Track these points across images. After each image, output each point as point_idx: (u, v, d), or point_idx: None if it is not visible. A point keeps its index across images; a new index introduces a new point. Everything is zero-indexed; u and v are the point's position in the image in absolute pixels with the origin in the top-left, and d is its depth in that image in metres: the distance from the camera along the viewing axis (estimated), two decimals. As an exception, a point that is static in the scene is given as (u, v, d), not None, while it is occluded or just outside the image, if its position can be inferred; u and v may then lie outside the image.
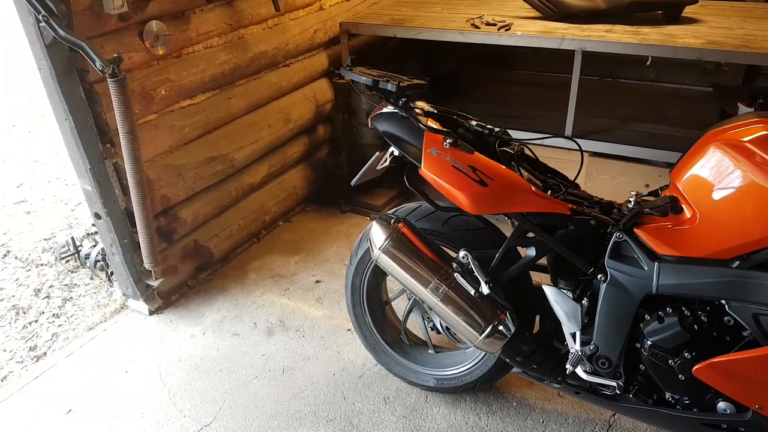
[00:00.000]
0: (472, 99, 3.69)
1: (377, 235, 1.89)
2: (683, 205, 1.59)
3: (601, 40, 2.76)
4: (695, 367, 1.54)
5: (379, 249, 1.86)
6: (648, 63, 2.76)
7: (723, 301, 1.53)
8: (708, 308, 1.57)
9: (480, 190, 1.70)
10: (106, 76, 2.08)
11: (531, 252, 1.81)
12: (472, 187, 1.71)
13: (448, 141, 1.76)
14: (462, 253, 1.85)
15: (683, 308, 1.59)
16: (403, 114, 1.86)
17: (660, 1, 2.95)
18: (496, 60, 4.04)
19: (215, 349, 2.49)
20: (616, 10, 2.97)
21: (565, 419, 2.11)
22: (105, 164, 2.39)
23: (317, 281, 2.89)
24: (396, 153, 1.93)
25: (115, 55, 2.09)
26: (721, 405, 1.59)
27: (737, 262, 1.49)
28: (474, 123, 1.86)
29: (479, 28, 3.05)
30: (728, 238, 1.50)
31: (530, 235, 1.80)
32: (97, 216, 2.50)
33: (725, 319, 1.55)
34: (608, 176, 3.01)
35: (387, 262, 1.88)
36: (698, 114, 3.30)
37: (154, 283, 2.65)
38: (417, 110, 1.87)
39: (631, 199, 1.71)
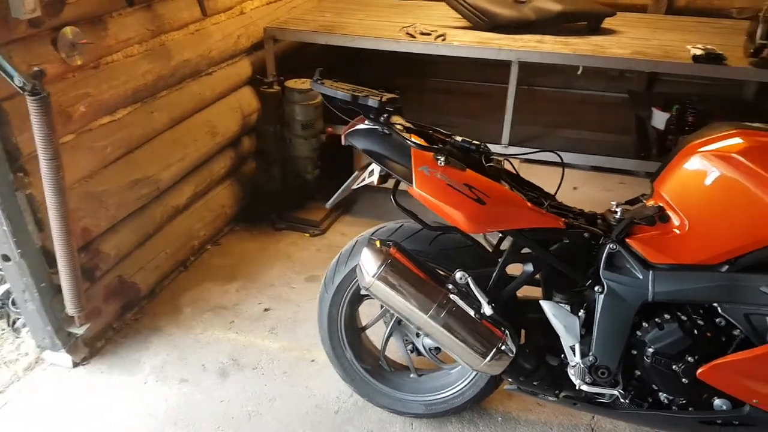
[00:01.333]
0: (408, 108, 3.61)
1: (369, 261, 1.74)
2: (670, 214, 1.64)
3: (536, 50, 2.81)
4: (699, 371, 1.58)
5: (374, 276, 1.72)
6: (579, 72, 2.86)
7: (715, 304, 1.60)
8: (701, 312, 1.63)
9: (478, 208, 1.63)
10: (26, 93, 1.74)
11: (528, 268, 1.78)
12: (469, 206, 1.64)
13: (441, 159, 1.67)
14: (459, 274, 1.77)
15: (680, 314, 1.64)
16: (385, 130, 1.75)
17: (583, 13, 3.07)
18: (416, 68, 4.01)
19: (163, 400, 2.19)
20: (544, 21, 3.04)
21: (550, 428, 2.11)
22: (17, 196, 2.00)
23: (266, 309, 2.66)
24: (379, 171, 1.80)
25: (36, 68, 1.76)
26: (718, 402, 1.65)
27: (726, 267, 1.56)
28: (459, 139, 1.78)
29: (415, 37, 2.99)
30: (718, 243, 1.57)
31: (524, 250, 1.77)
32: (6, 258, 2.09)
33: (717, 320, 1.62)
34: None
35: (382, 290, 1.74)
36: (615, 119, 3.49)
37: (79, 331, 2.27)
38: (398, 126, 1.76)
39: (616, 210, 1.74)
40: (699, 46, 2.74)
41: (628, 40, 2.97)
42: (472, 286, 1.75)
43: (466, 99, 3.87)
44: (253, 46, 3.19)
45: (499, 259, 1.79)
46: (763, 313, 1.54)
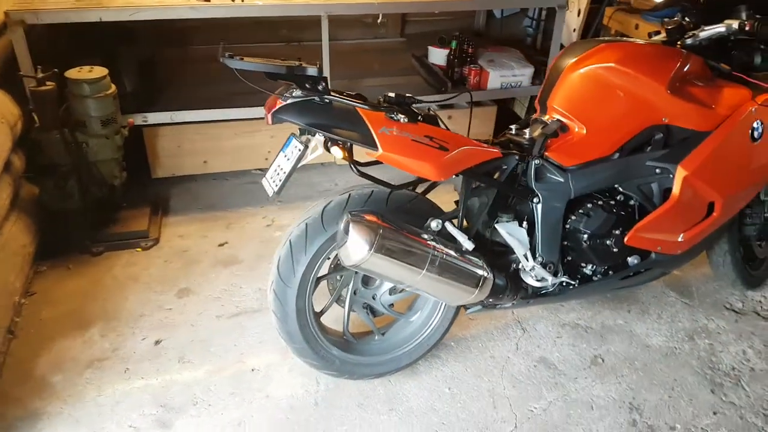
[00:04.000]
0: (186, 83, 3.26)
1: (360, 237, 1.68)
2: (568, 123, 2.02)
3: (342, 3, 2.87)
4: (626, 238, 2.04)
5: (370, 250, 1.68)
6: (380, 21, 3.03)
7: (616, 185, 2.07)
8: (607, 195, 2.09)
9: (443, 155, 1.76)
10: None
11: (484, 199, 1.96)
12: (435, 155, 1.75)
13: (400, 116, 1.72)
14: (434, 222, 1.87)
15: (596, 201, 2.06)
16: (325, 99, 1.68)
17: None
18: (181, 40, 3.60)
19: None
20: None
21: (491, 332, 2.40)
22: None
23: (156, 342, 2.27)
24: (323, 143, 1.73)
25: None
26: (630, 259, 2.16)
27: (617, 154, 2.02)
28: (392, 94, 1.82)
29: (209, 0, 2.71)
30: (609, 137, 2.03)
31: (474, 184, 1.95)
32: None
33: (618, 198, 2.09)
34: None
35: (376, 263, 1.72)
36: (397, 62, 3.74)
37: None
38: (333, 93, 1.72)
39: (520, 132, 2.04)
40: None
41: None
42: (450, 228, 1.87)
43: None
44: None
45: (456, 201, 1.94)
46: (649, 181, 2.06)
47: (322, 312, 2.06)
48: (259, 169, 3.34)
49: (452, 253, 1.84)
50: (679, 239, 2.11)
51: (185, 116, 2.92)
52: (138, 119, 2.81)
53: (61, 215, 2.64)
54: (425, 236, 1.83)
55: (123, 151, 2.73)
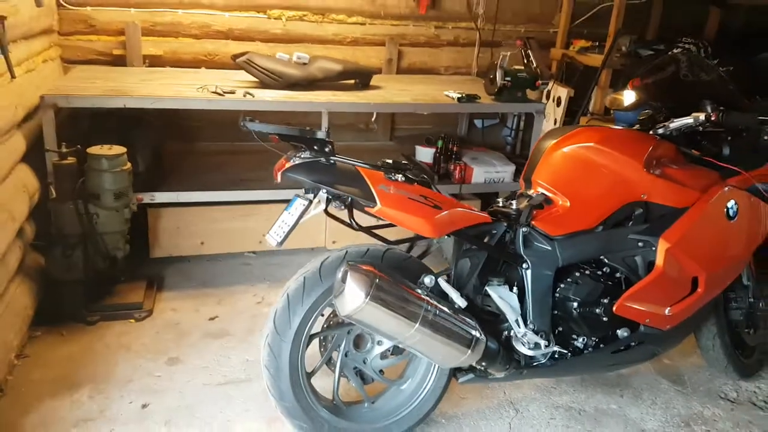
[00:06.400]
0: (191, 170, 3.45)
1: (357, 285, 1.75)
2: (552, 197, 2.16)
3: (342, 101, 3.17)
4: (614, 307, 2.10)
5: (366, 298, 1.74)
6: (374, 119, 3.29)
7: (602, 257, 2.16)
8: (593, 265, 2.17)
9: (437, 213, 1.88)
10: None
11: (475, 260, 2.05)
12: (430, 212, 1.87)
13: (397, 176, 1.86)
14: (427, 278, 1.94)
15: (583, 270, 2.14)
16: (330, 160, 1.84)
17: (358, 70, 3.54)
18: (184, 133, 3.86)
19: None
20: (328, 79, 3.40)
21: (483, 412, 2.36)
22: None
23: (143, 406, 2.24)
24: (326, 199, 1.86)
25: None
26: (620, 332, 2.20)
27: (601, 227, 2.14)
28: (389, 161, 1.98)
29: (222, 95, 2.98)
30: (592, 212, 2.15)
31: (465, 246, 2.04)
32: None
33: (604, 269, 2.18)
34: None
35: (371, 312, 1.77)
36: (387, 158, 3.92)
37: None
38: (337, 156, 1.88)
39: (507, 203, 2.17)
40: (451, 92, 3.48)
41: (398, 92, 3.54)
42: (443, 285, 1.94)
43: (245, 157, 3.85)
44: (24, 118, 2.67)
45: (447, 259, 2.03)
46: (633, 254, 2.15)
47: (312, 372, 2.06)
48: (252, 252, 3.44)
49: (445, 309, 1.89)
50: (667, 312, 2.17)
51: (190, 196, 3.07)
52: (146, 197, 2.95)
53: (62, 284, 2.70)
54: (419, 291, 1.90)
55: (129, 224, 2.84)
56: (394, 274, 1.89)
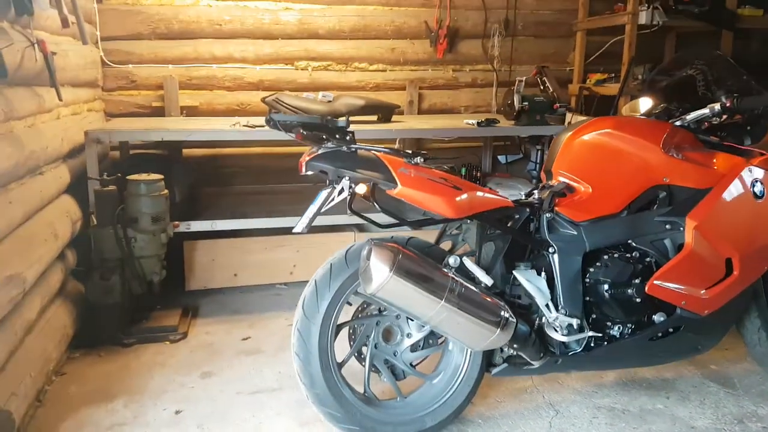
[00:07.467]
0: (225, 204, 3.59)
1: (381, 259, 1.79)
2: (574, 185, 2.18)
3: (367, 129, 3.31)
4: (646, 288, 2.06)
5: (390, 272, 1.76)
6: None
7: (629, 241, 2.15)
8: (621, 249, 2.16)
9: (458, 194, 1.91)
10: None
11: (499, 244, 2.06)
12: (451, 193, 1.91)
13: (417, 159, 1.92)
14: (452, 258, 1.96)
15: (612, 253, 2.13)
16: (351, 148, 1.92)
17: (380, 105, 3.70)
18: (215, 181, 4.04)
19: None
20: (352, 113, 3.56)
21: (521, 413, 2.28)
22: None
23: (177, 412, 2.25)
24: (349, 186, 1.92)
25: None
26: (656, 317, 2.14)
27: (625, 212, 2.14)
28: (410, 151, 2.05)
29: (253, 128, 3.14)
30: (615, 197, 2.15)
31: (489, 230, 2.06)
32: None
33: (633, 253, 2.16)
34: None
35: (395, 288, 1.79)
36: None
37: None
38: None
39: (533, 192, 2.20)
40: (470, 120, 3.59)
41: (417, 123, 3.67)
42: (469, 264, 1.95)
43: (283, 196, 3.97)
44: (69, 152, 2.87)
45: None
46: (661, 237, 2.13)
47: (342, 363, 2.05)
48: (284, 284, 3.49)
49: (471, 287, 1.89)
50: (702, 294, 2.12)
51: (225, 224, 3.17)
52: (183, 226, 3.07)
53: (100, 308, 2.77)
54: (444, 269, 1.91)
55: (166, 249, 2.94)
56: (418, 253, 1.92)
